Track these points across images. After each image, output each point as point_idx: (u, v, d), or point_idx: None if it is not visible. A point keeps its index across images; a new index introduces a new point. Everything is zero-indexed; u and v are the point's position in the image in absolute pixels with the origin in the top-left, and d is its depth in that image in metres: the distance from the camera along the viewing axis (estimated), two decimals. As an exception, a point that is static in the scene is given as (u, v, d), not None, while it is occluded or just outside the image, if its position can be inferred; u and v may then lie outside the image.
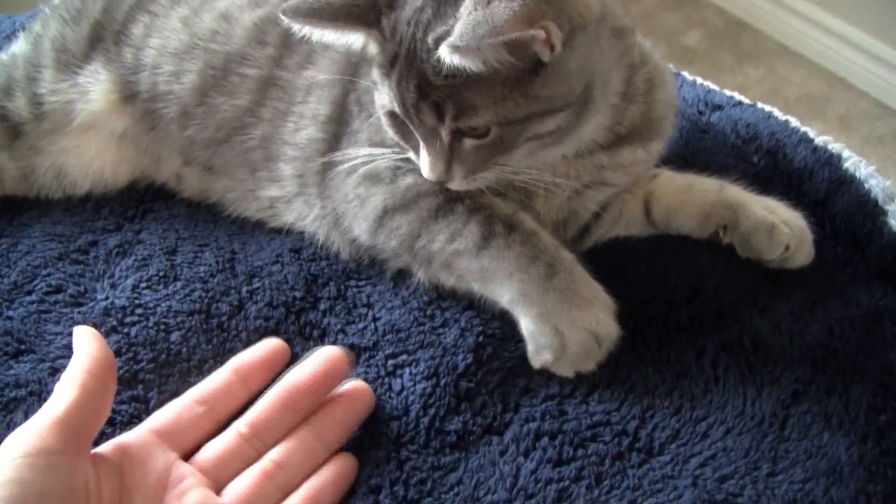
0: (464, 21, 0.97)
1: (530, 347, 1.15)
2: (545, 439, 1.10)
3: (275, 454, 1.07)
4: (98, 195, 1.48)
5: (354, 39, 1.13)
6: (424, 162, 1.13)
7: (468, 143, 1.10)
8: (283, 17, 1.10)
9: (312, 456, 1.08)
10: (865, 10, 3.44)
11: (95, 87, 1.44)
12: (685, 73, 1.65)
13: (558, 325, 1.11)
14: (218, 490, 1.04)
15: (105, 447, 1.04)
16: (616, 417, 1.12)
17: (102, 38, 1.47)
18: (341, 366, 1.14)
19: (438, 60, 1.01)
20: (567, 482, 1.06)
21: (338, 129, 1.31)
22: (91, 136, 1.46)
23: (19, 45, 1.55)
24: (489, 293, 1.18)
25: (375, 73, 1.14)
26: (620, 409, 1.13)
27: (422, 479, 1.08)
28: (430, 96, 1.06)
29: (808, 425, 1.10)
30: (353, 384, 1.15)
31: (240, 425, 1.09)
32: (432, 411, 1.13)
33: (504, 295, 1.15)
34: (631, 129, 1.26)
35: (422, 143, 1.12)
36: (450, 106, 1.06)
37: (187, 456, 1.07)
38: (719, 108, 1.52)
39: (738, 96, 1.56)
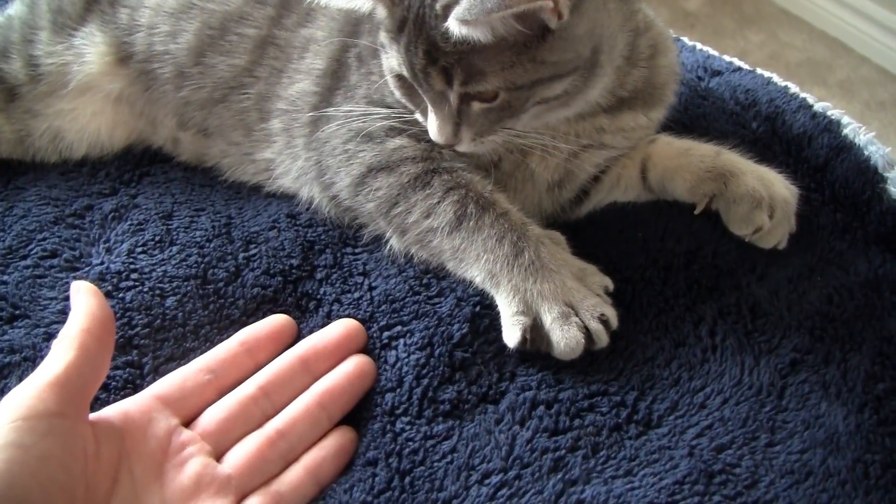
0: None
1: (503, 327, 1.13)
2: (541, 408, 1.09)
3: (278, 422, 1.07)
4: (94, 159, 1.48)
5: (363, 2, 1.12)
6: (433, 125, 1.13)
7: (476, 106, 1.10)
8: None
9: (315, 425, 1.08)
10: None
11: (91, 48, 1.43)
12: (685, 39, 1.64)
13: (527, 299, 1.11)
14: (219, 456, 1.04)
15: (107, 411, 1.04)
16: (614, 387, 1.12)
17: (98, 0, 1.46)
18: (359, 336, 1.16)
19: (447, 27, 1.01)
20: (563, 451, 1.06)
21: (332, 83, 1.31)
22: (87, 98, 1.45)
23: (16, 8, 1.54)
24: (462, 273, 1.18)
25: (383, 37, 1.14)
26: (619, 379, 1.12)
27: (414, 450, 1.07)
28: (439, 62, 1.06)
29: (805, 395, 1.09)
30: (359, 358, 1.14)
31: (247, 387, 1.09)
32: (426, 381, 1.12)
33: (476, 276, 1.16)
34: (633, 93, 1.26)
35: (430, 107, 1.13)
36: (458, 71, 1.06)
37: (189, 423, 1.07)
38: (718, 73, 1.51)
39: (737, 62, 1.55)
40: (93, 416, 1.02)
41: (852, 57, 3.51)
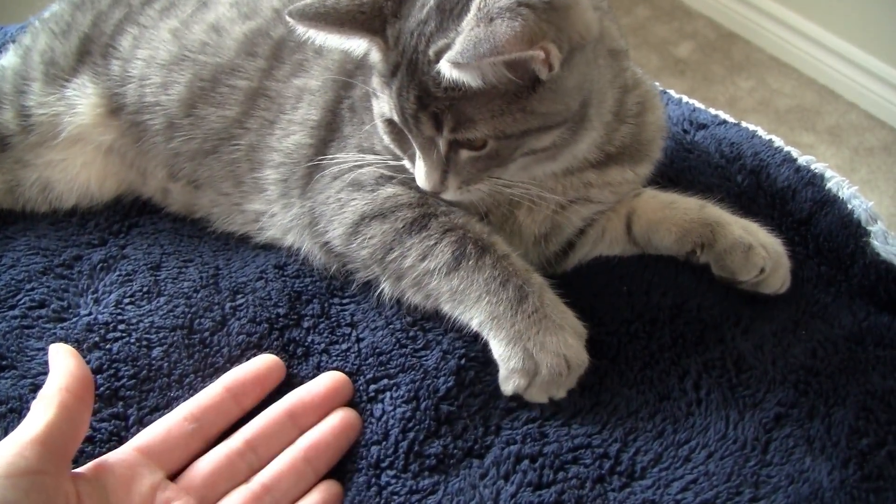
0: (465, 36, 0.98)
1: (501, 372, 1.14)
2: (526, 462, 1.10)
3: (264, 477, 1.07)
4: (84, 209, 1.48)
5: (357, 45, 1.14)
6: (420, 171, 1.14)
7: (464, 154, 1.11)
8: (288, 19, 1.11)
9: (301, 480, 1.08)
10: (855, 24, 3.46)
11: (82, 100, 1.44)
12: (671, 92, 1.66)
13: (529, 348, 1.11)
14: None
15: (89, 466, 1.04)
16: (598, 440, 1.12)
17: (90, 52, 1.47)
18: (346, 389, 1.17)
19: (439, 73, 1.03)
20: (546, 506, 1.06)
21: (327, 135, 1.32)
22: (77, 149, 1.46)
23: (8, 58, 1.55)
24: (459, 315, 1.18)
25: (376, 81, 1.15)
26: (602, 432, 1.13)
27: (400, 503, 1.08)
28: (430, 107, 1.07)
29: (790, 449, 1.10)
30: (345, 411, 1.15)
31: (234, 441, 1.09)
32: (412, 435, 1.13)
33: (474, 318, 1.16)
34: (621, 148, 1.27)
35: (418, 153, 1.14)
36: (448, 118, 1.07)
37: (175, 475, 1.07)
38: (704, 126, 1.52)
39: (722, 115, 1.57)
40: (77, 470, 1.02)
41: (840, 103, 3.53)
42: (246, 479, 1.07)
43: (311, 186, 1.31)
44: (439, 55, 1.03)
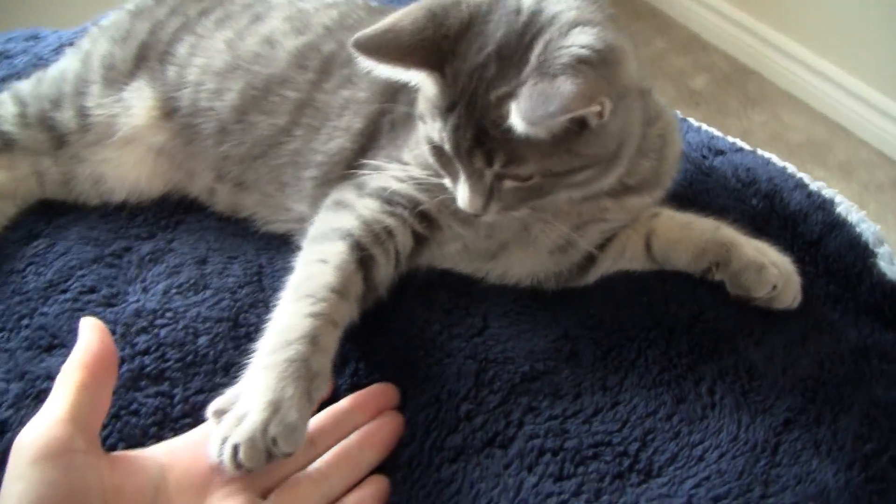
0: (531, 92, 1.05)
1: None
2: (548, 455, 1.17)
3: (321, 463, 1.12)
4: (133, 204, 1.55)
5: (413, 77, 1.19)
6: (463, 195, 1.20)
7: (508, 184, 1.18)
8: (352, 50, 1.16)
9: (356, 469, 1.14)
10: (868, 62, 3.52)
11: (138, 102, 1.51)
12: (691, 120, 1.72)
13: (245, 391, 1.10)
14: (263, 495, 1.08)
15: (153, 448, 1.10)
16: (618, 438, 1.19)
17: (148, 58, 1.54)
18: (394, 396, 1.23)
19: (499, 116, 1.09)
20: (567, 496, 1.13)
21: (366, 143, 1.39)
22: (130, 149, 1.53)
23: (69, 61, 1.62)
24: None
25: (427, 109, 1.20)
26: (622, 431, 1.20)
27: (427, 493, 1.14)
28: (485, 145, 1.13)
29: (798, 452, 1.17)
30: (393, 413, 1.21)
31: None
32: (434, 434, 1.20)
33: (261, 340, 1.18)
34: (640, 181, 1.34)
35: (465, 179, 1.19)
36: (501, 155, 1.13)
37: None
38: (721, 153, 1.59)
39: (739, 143, 1.64)
40: (134, 452, 1.08)
41: (852, 140, 3.58)
42: (303, 467, 1.11)
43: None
44: (500, 101, 1.09)
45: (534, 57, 1.09)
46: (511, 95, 1.08)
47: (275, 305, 1.23)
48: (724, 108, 3.73)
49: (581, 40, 1.08)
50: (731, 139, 1.65)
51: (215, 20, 1.56)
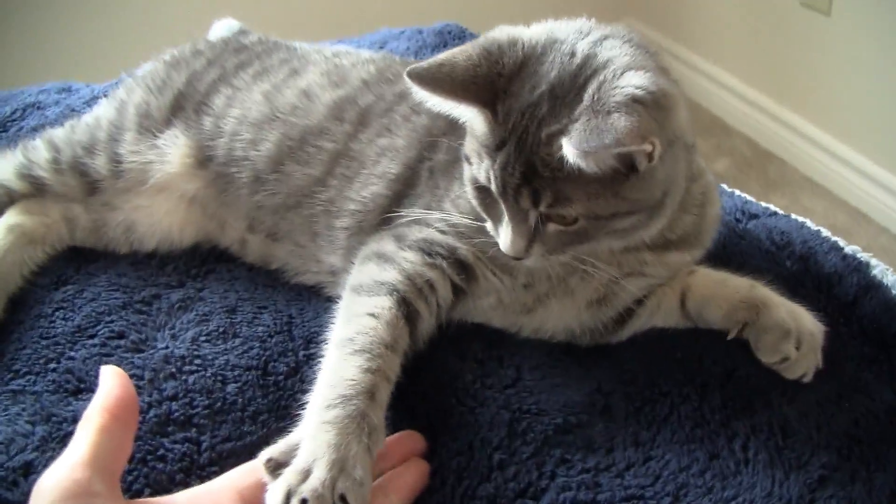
0: (584, 126, 1.07)
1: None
2: (580, 507, 1.15)
3: None
4: (163, 253, 1.56)
5: (464, 112, 1.20)
6: (506, 237, 1.20)
7: (552, 227, 1.18)
8: (407, 79, 1.18)
9: None
10: (889, 148, 3.53)
11: (173, 150, 1.53)
12: (724, 185, 1.73)
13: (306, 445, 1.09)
14: None
15: (175, 495, 1.09)
16: (650, 492, 1.17)
17: (184, 108, 1.56)
18: (420, 443, 1.22)
19: (549, 154, 1.11)
20: (598, 549, 1.11)
21: (403, 190, 1.40)
22: (163, 197, 1.54)
23: (103, 109, 1.64)
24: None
25: (475, 149, 1.20)
26: (655, 485, 1.18)
27: (457, 541, 1.13)
28: (533, 183, 1.14)
29: (833, 508, 1.15)
30: (419, 461, 1.20)
31: None
32: (466, 482, 1.18)
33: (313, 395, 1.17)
34: (682, 237, 1.34)
35: (509, 221, 1.19)
36: (548, 194, 1.14)
37: None
38: (755, 216, 1.60)
39: (773, 207, 1.64)
40: (156, 500, 1.08)
41: (872, 226, 3.58)
42: None
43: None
44: (551, 138, 1.10)
45: (587, 96, 1.10)
46: (563, 132, 1.09)
47: (319, 356, 1.23)
48: (746, 192, 3.69)
49: (635, 81, 1.10)
50: (764, 204, 1.65)
51: (253, 73, 1.58)
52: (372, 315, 1.22)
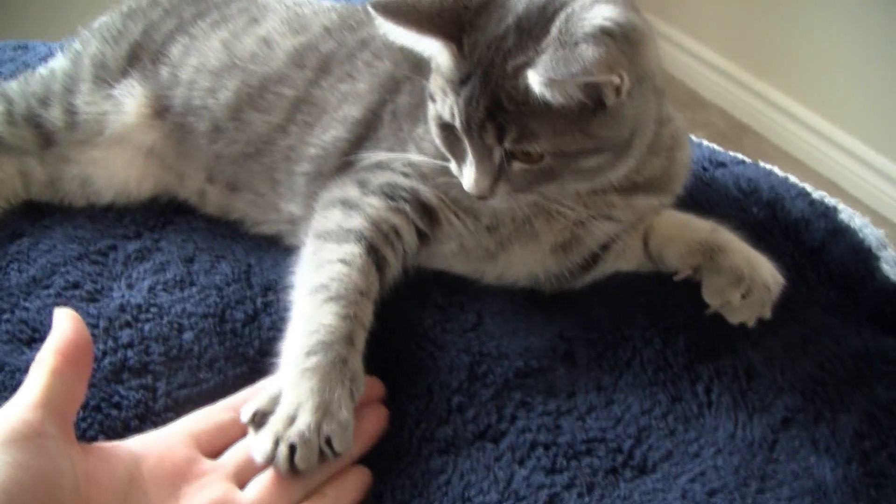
0: (552, 57, 1.05)
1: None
2: (540, 449, 1.14)
3: None
4: (120, 206, 1.53)
5: (428, 46, 1.18)
6: (470, 176, 1.18)
7: (517, 166, 1.16)
8: (371, 10, 1.15)
9: (337, 459, 1.10)
10: (863, 120, 3.54)
11: (129, 101, 1.49)
12: (692, 136, 1.71)
13: (289, 392, 1.10)
14: (241, 487, 1.07)
15: (127, 441, 1.08)
16: (612, 435, 1.17)
17: (140, 58, 1.53)
18: (378, 390, 1.21)
19: (514, 87, 1.09)
20: (558, 489, 1.11)
21: (364, 133, 1.38)
22: (119, 149, 1.51)
23: (58, 61, 1.61)
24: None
25: (438, 85, 1.19)
26: (616, 428, 1.18)
27: (413, 483, 1.12)
28: (497, 118, 1.12)
29: (796, 449, 1.15)
30: (377, 406, 1.20)
31: None
32: (424, 425, 1.18)
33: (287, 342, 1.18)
34: (650, 180, 1.32)
35: (472, 159, 1.18)
36: (513, 129, 1.12)
37: (214, 458, 1.10)
38: (723, 165, 1.58)
39: (740, 156, 1.63)
40: (109, 442, 1.07)
41: (846, 199, 3.50)
42: None
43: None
44: (517, 71, 1.08)
45: (555, 28, 1.08)
46: (529, 64, 1.07)
47: (276, 304, 1.28)
48: (720, 165, 3.73)
49: (605, 13, 1.08)
50: (732, 153, 1.64)
51: (211, 22, 1.55)
52: (344, 262, 1.22)
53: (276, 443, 1.05)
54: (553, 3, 1.12)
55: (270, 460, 1.05)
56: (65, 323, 1.05)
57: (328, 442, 1.05)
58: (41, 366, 1.00)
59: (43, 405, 0.96)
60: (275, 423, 1.06)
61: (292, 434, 1.04)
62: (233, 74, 1.46)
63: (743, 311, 1.29)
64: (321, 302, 1.17)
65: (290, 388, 1.09)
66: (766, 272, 1.29)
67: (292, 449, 1.04)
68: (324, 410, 1.06)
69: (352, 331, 1.15)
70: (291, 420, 1.06)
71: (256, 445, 1.06)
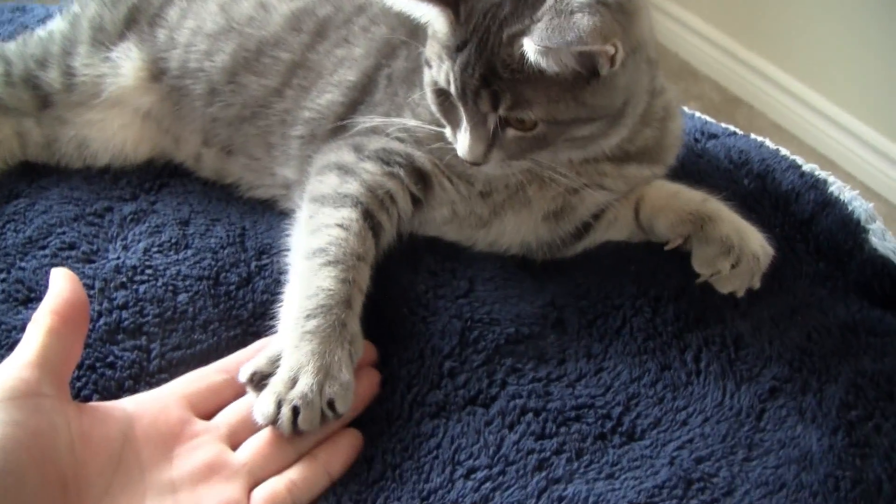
0: (548, 25, 1.05)
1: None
2: (530, 415, 1.16)
3: None
4: (116, 168, 1.53)
5: (425, 12, 1.18)
6: (464, 142, 1.19)
7: (511, 132, 1.17)
8: None
9: (329, 425, 1.12)
10: (857, 95, 3.53)
11: (127, 63, 1.50)
12: (685, 108, 1.72)
13: (290, 355, 1.12)
14: (234, 446, 1.09)
15: (120, 400, 1.10)
16: (601, 402, 1.18)
17: (138, 21, 1.53)
18: (370, 354, 1.22)
19: (510, 54, 1.10)
20: (548, 454, 1.12)
21: (359, 97, 1.38)
22: (116, 111, 1.51)
23: (56, 23, 1.61)
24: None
25: (434, 51, 1.19)
26: (605, 395, 1.19)
27: (404, 447, 1.14)
28: (492, 85, 1.13)
29: (782, 418, 1.16)
30: (369, 370, 1.21)
31: None
32: (415, 390, 1.20)
33: (284, 304, 1.20)
34: (642, 150, 1.34)
35: (467, 125, 1.19)
36: (507, 97, 1.13)
37: (207, 420, 1.11)
38: (714, 136, 1.59)
39: (732, 128, 1.64)
40: (102, 404, 1.08)
41: (839, 173, 3.51)
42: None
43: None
44: (512, 39, 1.09)
45: None
46: (525, 32, 1.08)
47: (271, 267, 1.30)
48: (713, 137, 3.72)
49: None
50: (724, 125, 1.65)
51: None
52: (341, 226, 1.23)
53: (279, 404, 1.06)
54: None
55: (272, 422, 1.07)
56: (61, 283, 1.06)
57: (330, 404, 1.07)
58: (38, 325, 1.01)
59: (39, 364, 0.97)
60: (276, 385, 1.08)
61: (295, 395, 1.06)
62: (230, 38, 1.47)
63: (732, 281, 1.29)
64: (319, 266, 1.18)
65: (291, 350, 1.11)
66: (756, 242, 1.30)
67: (295, 411, 1.06)
68: (325, 372, 1.08)
69: (350, 294, 1.16)
70: (293, 382, 1.07)
71: (258, 407, 1.08)
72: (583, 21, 1.04)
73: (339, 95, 1.39)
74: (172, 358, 1.21)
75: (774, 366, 1.21)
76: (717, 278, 1.30)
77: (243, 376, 1.11)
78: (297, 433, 1.07)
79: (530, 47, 1.06)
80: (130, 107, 1.51)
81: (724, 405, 1.17)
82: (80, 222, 1.40)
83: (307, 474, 1.08)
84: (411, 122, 1.31)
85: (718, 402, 1.17)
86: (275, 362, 1.11)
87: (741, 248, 1.28)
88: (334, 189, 1.28)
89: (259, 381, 1.10)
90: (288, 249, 1.28)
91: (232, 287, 1.30)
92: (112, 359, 1.19)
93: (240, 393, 1.14)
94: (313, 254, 1.20)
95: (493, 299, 1.29)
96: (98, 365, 1.19)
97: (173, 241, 1.36)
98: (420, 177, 1.32)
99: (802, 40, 3.65)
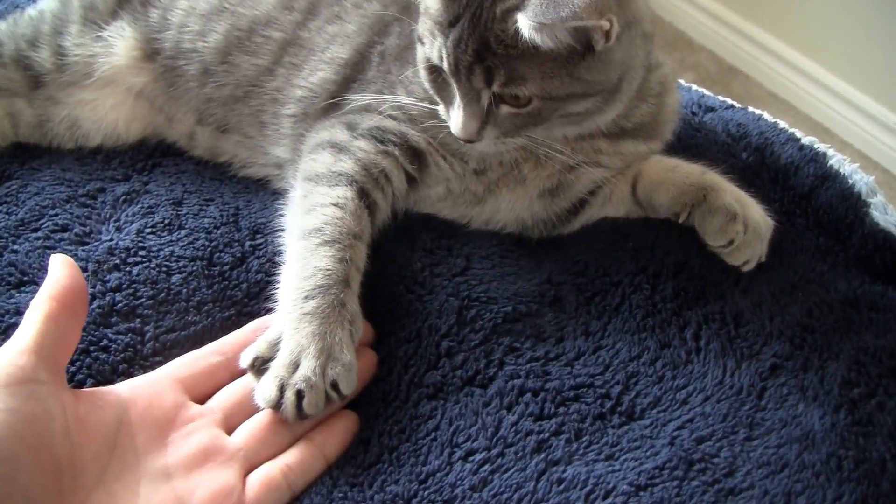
0: (541, 1, 1.04)
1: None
2: (528, 395, 1.15)
3: None
4: (109, 148, 1.52)
5: None
6: (457, 119, 1.18)
7: (505, 109, 1.16)
8: None
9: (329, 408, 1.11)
10: (853, 64, 3.51)
11: (119, 43, 1.48)
12: (681, 81, 1.70)
13: (290, 337, 1.10)
14: (229, 431, 1.08)
15: (115, 385, 1.08)
16: (600, 381, 1.17)
17: (130, 0, 1.52)
18: (368, 332, 1.20)
19: (503, 30, 1.08)
20: (546, 435, 1.11)
21: (351, 75, 1.37)
22: (109, 91, 1.50)
23: (48, 2, 1.59)
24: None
25: (427, 27, 1.18)
26: (604, 374, 1.18)
27: (402, 429, 1.13)
28: (486, 61, 1.12)
29: (784, 396, 1.15)
30: (366, 350, 1.19)
31: None
32: (413, 370, 1.18)
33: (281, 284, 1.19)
34: (638, 125, 1.33)
35: (460, 102, 1.17)
36: (501, 73, 1.12)
37: (202, 402, 1.11)
38: (712, 109, 1.57)
39: (729, 101, 1.62)
40: (99, 388, 1.07)
41: (835, 142, 3.56)
42: None
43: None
44: (506, 14, 1.08)
45: None
46: (518, 8, 1.07)
47: (265, 247, 1.29)
48: (710, 107, 3.71)
49: None
50: (721, 98, 1.63)
51: None
52: (336, 205, 1.22)
53: (281, 389, 1.05)
54: None
55: (275, 406, 1.06)
56: (60, 269, 1.05)
57: (333, 385, 1.06)
58: (35, 311, 1.01)
59: (36, 351, 0.97)
60: (278, 369, 1.07)
61: (298, 379, 1.05)
62: (222, 17, 1.45)
63: (746, 250, 1.28)
64: (316, 245, 1.17)
65: (291, 332, 1.09)
66: (756, 212, 1.30)
67: (299, 394, 1.05)
68: (327, 354, 1.07)
69: (348, 273, 1.15)
70: (295, 366, 1.06)
71: (260, 392, 1.07)
72: None
73: (332, 73, 1.37)
74: (166, 340, 1.20)
75: (775, 343, 1.20)
76: (730, 249, 1.28)
77: (244, 362, 1.10)
78: (301, 417, 1.06)
79: (524, 23, 1.05)
80: (123, 86, 1.50)
81: (724, 383, 1.16)
82: (73, 204, 1.39)
83: (303, 458, 1.07)
84: (405, 100, 1.29)
85: (719, 380, 1.16)
86: (275, 346, 1.10)
87: (745, 215, 1.27)
88: (328, 168, 1.27)
89: (260, 365, 1.09)
90: (282, 229, 1.27)
91: (226, 267, 1.29)
92: (106, 342, 1.18)
93: (235, 375, 1.13)
94: (309, 234, 1.19)
95: (490, 277, 1.28)
96: (92, 349, 1.17)
97: (166, 221, 1.35)
98: (414, 155, 1.31)
99: (799, 9, 3.63)
